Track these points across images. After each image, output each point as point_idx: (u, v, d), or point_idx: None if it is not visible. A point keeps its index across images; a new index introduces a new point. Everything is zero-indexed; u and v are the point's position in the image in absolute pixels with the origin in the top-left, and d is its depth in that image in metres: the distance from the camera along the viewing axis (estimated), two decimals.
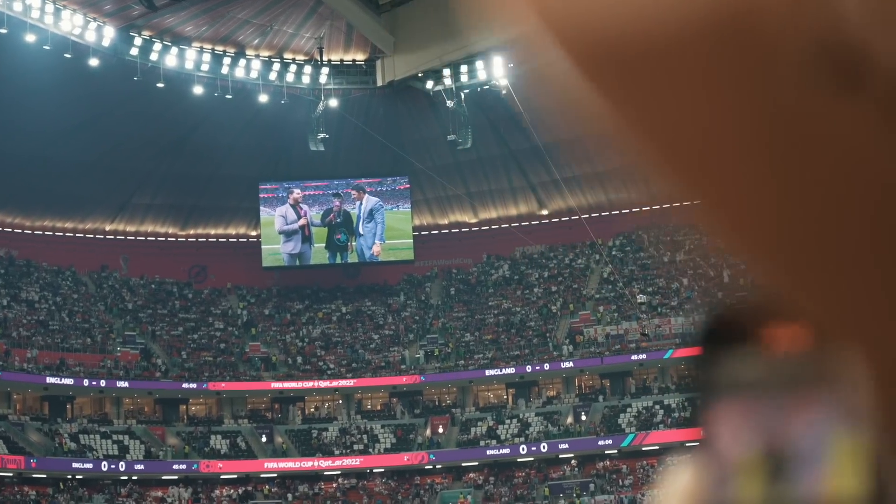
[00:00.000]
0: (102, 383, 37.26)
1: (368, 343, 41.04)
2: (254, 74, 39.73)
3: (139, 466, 36.48)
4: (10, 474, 33.88)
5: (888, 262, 0.31)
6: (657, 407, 37.78)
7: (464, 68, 38.84)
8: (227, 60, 39.41)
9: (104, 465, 35.81)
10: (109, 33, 36.86)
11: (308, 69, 40.14)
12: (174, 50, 38.49)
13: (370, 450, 38.31)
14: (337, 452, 38.15)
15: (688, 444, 37.81)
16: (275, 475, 37.57)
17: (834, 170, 0.31)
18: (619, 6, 0.32)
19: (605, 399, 38.77)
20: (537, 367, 38.66)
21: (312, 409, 40.34)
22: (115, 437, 37.11)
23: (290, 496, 37.21)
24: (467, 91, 39.20)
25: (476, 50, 38.07)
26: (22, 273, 40.59)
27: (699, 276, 39.87)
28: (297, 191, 40.95)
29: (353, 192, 41.30)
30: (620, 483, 36.89)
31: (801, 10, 0.30)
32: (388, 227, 41.35)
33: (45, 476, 34.68)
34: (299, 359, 40.09)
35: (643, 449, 37.13)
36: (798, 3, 0.30)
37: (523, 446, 37.64)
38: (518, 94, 37.90)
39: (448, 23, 36.94)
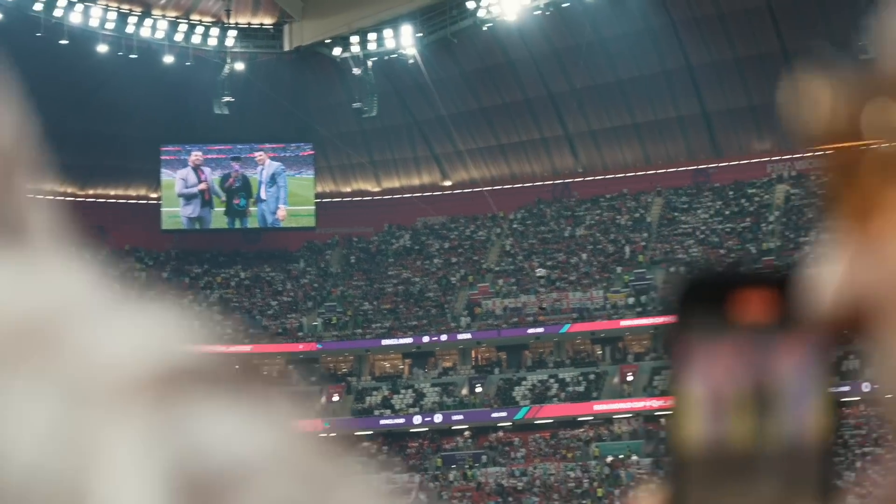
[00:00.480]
0: None
1: (266, 309, 40.74)
2: (160, 35, 39.29)
3: None
4: None
5: None
6: (552, 380, 37.84)
7: (372, 36, 38.66)
8: (132, 19, 38.97)
9: None
10: None
11: (215, 31, 39.77)
12: (79, 7, 37.95)
13: None
14: None
15: (580, 419, 38.18)
16: None
17: None
18: None
19: (501, 371, 38.76)
20: (434, 338, 38.53)
21: None
22: None
23: None
24: (374, 59, 39.00)
25: (385, 17, 37.98)
26: None
27: (598, 252, 39.97)
28: (196, 153, 40.48)
29: (257, 154, 40.93)
30: (512, 455, 36.96)
31: None
32: (290, 193, 41.00)
33: None
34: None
35: (536, 422, 37.22)
36: None
37: (417, 416, 37.54)
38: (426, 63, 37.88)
39: None
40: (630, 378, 36.92)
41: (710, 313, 0.43)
